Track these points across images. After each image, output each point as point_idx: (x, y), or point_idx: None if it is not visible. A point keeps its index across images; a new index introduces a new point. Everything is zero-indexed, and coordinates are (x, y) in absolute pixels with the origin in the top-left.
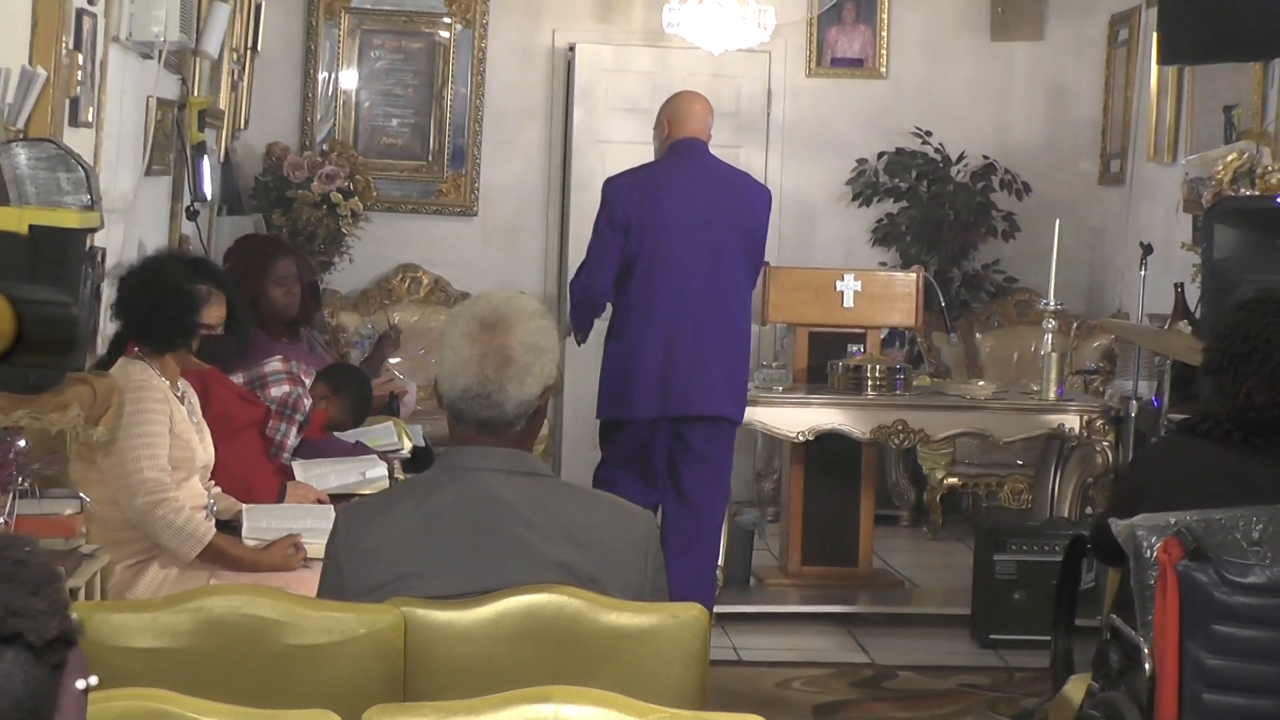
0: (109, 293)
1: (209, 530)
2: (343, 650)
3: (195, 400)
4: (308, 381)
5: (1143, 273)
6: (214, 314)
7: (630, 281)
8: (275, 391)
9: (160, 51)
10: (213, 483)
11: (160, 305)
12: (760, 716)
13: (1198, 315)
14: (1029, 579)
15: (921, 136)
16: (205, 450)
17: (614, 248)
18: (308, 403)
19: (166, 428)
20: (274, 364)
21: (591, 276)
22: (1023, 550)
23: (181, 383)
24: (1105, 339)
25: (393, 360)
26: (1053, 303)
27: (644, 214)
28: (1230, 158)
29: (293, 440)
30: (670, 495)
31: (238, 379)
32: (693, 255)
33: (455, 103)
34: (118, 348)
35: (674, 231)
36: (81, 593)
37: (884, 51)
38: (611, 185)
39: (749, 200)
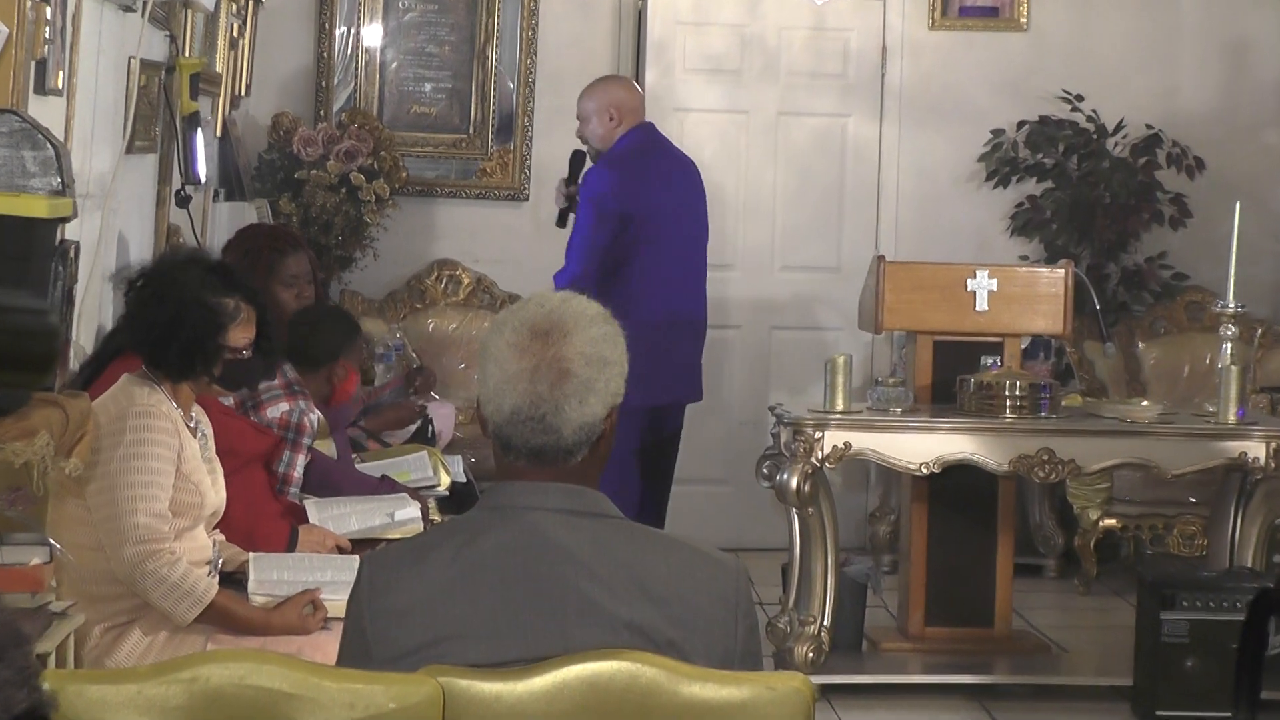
0: (95, 296)
1: (210, 588)
2: None
3: (209, 432)
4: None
5: None
6: (242, 335)
7: (632, 269)
8: (272, 412)
9: (144, 4)
10: (218, 531)
11: (178, 324)
12: None
13: None
14: (1204, 642)
15: (1071, 101)
16: (216, 494)
17: (609, 240)
18: (313, 419)
19: (173, 466)
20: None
21: (590, 270)
22: (1196, 607)
23: (196, 411)
24: None
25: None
26: (1232, 304)
27: (644, 203)
28: None
29: (299, 470)
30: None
31: (227, 400)
32: (684, 242)
33: (501, 63)
34: (100, 363)
35: (670, 218)
36: (52, 659)
37: None
38: (609, 176)
39: (701, 182)
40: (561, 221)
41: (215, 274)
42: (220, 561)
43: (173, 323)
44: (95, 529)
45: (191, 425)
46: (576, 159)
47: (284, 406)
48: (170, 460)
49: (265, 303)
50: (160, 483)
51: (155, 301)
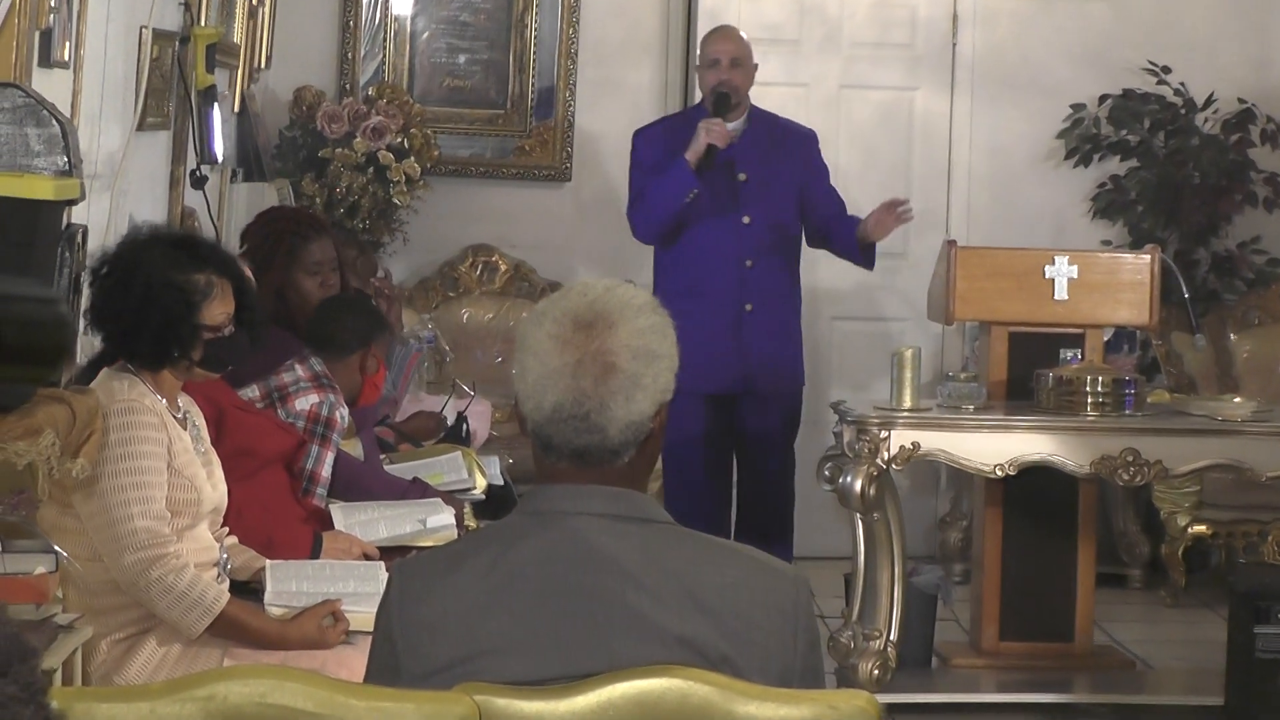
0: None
1: (220, 596)
2: None
3: (201, 422)
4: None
5: None
6: (218, 311)
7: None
8: (301, 404)
9: None
10: (225, 530)
11: (147, 308)
12: None
13: None
14: None
15: (1157, 74)
16: (215, 489)
17: None
18: (343, 414)
19: (164, 462)
20: (294, 370)
21: None
22: None
23: (183, 400)
24: None
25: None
26: None
27: None
28: None
29: (327, 470)
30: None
31: (253, 393)
32: None
33: (541, 33)
34: (108, 358)
35: None
36: (58, 675)
37: None
38: None
39: None
40: (710, 164)
41: (181, 249)
42: (228, 563)
43: (141, 308)
44: (89, 539)
45: (179, 416)
46: (723, 101)
47: (313, 398)
48: (160, 456)
49: (241, 273)
50: (154, 481)
51: (120, 288)
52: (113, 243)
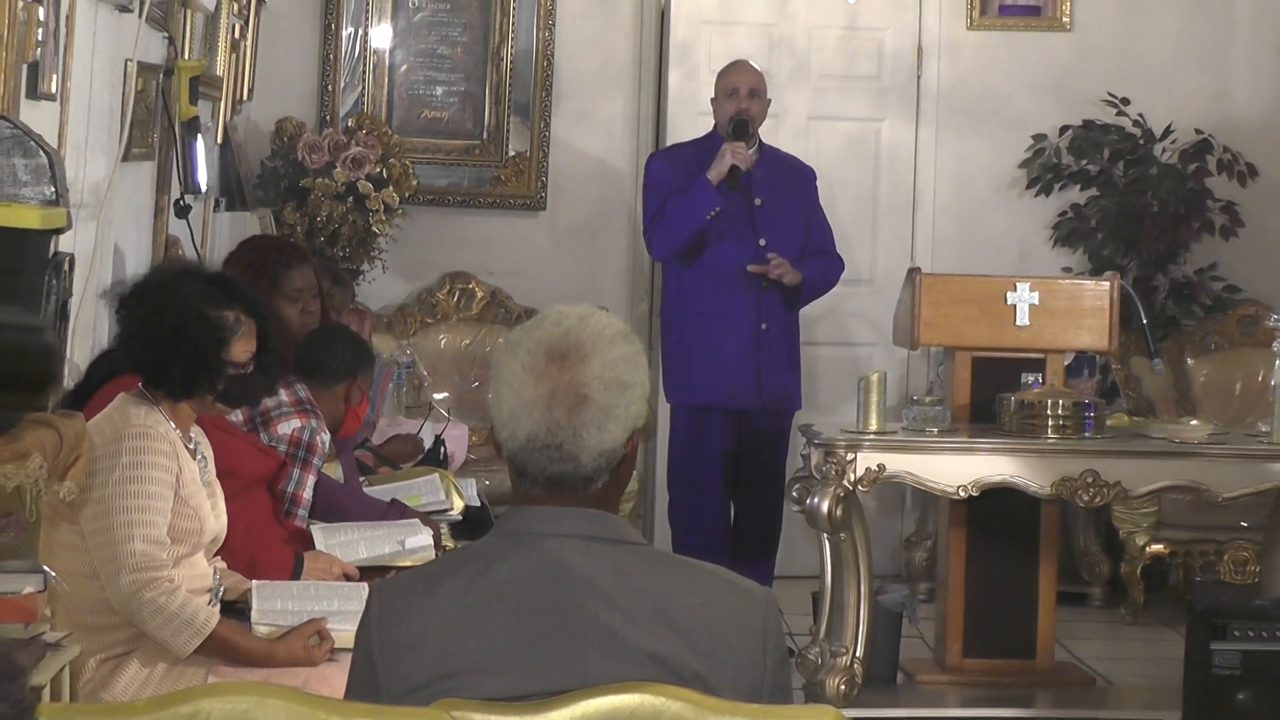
0: (90, 311)
1: (210, 618)
2: None
3: (210, 454)
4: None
5: None
6: (243, 349)
7: None
8: (283, 428)
9: (142, 4)
10: (218, 559)
11: (180, 340)
12: None
13: None
14: (1258, 674)
15: (1116, 105)
16: (217, 520)
17: None
18: (324, 439)
19: (171, 490)
20: (277, 394)
21: None
22: (1249, 637)
23: (195, 431)
24: None
25: (437, 395)
26: None
27: None
28: None
29: (308, 492)
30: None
31: (236, 416)
32: None
33: (517, 65)
34: (91, 384)
35: None
36: (46, 693)
37: None
38: None
39: None
40: (734, 184)
41: (215, 286)
42: (221, 590)
43: (174, 339)
44: (90, 556)
45: (190, 447)
46: (741, 128)
47: (295, 423)
48: (168, 484)
49: (266, 314)
50: (158, 507)
51: (154, 318)
52: (106, 271)
